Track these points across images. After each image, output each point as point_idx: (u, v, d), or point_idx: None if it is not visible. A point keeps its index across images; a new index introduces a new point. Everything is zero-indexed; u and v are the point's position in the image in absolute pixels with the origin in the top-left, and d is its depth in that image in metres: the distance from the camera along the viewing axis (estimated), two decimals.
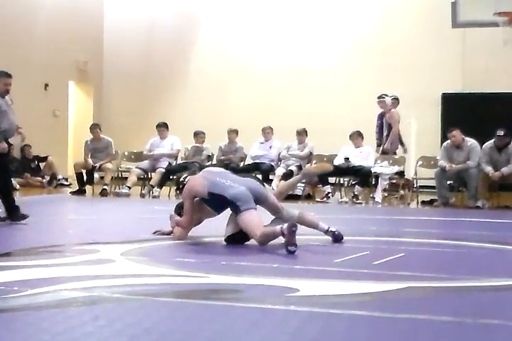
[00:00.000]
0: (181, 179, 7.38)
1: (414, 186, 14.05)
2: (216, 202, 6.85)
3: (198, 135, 15.00)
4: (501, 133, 12.49)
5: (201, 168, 14.71)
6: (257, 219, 6.74)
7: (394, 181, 14.16)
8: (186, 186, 6.96)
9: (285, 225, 6.31)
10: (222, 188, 6.81)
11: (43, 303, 4.15)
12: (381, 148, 14.15)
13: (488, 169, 12.40)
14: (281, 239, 6.42)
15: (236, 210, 6.75)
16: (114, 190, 14.67)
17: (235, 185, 6.82)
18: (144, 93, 19.61)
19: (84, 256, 5.98)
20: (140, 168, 14.76)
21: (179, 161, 15.02)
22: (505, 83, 16.65)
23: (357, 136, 13.92)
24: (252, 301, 4.32)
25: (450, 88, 16.99)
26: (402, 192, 13.95)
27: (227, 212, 6.99)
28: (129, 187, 14.34)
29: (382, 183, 13.52)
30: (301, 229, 7.53)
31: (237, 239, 6.83)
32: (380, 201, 13.26)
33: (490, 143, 12.65)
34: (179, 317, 3.92)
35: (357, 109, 17.34)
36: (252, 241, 6.94)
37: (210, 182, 6.87)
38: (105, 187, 14.42)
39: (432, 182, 13.19)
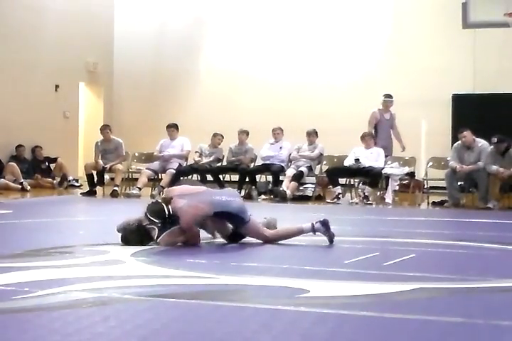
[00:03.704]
0: (157, 240, 6.68)
1: (425, 187, 14.02)
2: (219, 218, 6.89)
3: (216, 136, 15.06)
4: (495, 140, 12.47)
5: (210, 170, 14.83)
6: (259, 223, 7.06)
7: (404, 182, 14.14)
8: (185, 216, 6.59)
9: (317, 223, 6.93)
10: (224, 205, 6.81)
11: (53, 304, 4.16)
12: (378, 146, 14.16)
13: (494, 168, 12.34)
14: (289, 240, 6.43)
15: (241, 222, 6.87)
16: (125, 191, 14.70)
17: (231, 199, 6.90)
18: (153, 94, 19.63)
19: (95, 257, 5.99)
20: (150, 169, 14.77)
21: (190, 162, 15.03)
22: None
23: (369, 138, 13.90)
24: (262, 302, 4.32)
25: (461, 89, 16.94)
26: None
27: None
28: (140, 188, 14.36)
29: (393, 184, 13.50)
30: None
31: (237, 236, 6.98)
32: (390, 202, 13.24)
33: (492, 148, 12.63)
34: (189, 318, 3.93)
35: (368, 110, 17.29)
36: (261, 243, 6.96)
37: (210, 203, 6.77)
38: (115, 188, 14.44)
39: (443, 183, 13.17)
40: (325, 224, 6.97)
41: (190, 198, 6.74)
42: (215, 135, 15.11)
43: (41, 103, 17.47)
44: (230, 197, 6.94)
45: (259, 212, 7.32)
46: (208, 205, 6.71)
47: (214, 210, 6.73)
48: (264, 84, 18.48)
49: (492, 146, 12.58)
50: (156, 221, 6.62)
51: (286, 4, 18.73)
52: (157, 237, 6.63)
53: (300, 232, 7.07)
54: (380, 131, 14.37)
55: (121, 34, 19.80)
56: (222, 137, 15.11)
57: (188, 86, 19.27)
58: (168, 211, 6.63)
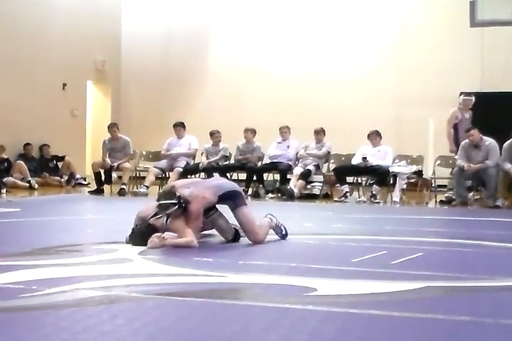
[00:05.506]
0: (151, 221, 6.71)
1: (433, 185, 14.01)
2: (223, 199, 6.89)
3: (214, 134, 15.04)
4: None
5: (218, 168, 14.81)
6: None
7: (412, 181, 14.13)
8: (195, 202, 6.61)
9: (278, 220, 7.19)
10: (226, 186, 6.98)
11: (61, 302, 4.17)
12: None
13: (508, 166, 12.30)
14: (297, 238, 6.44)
15: (243, 202, 6.92)
16: (132, 190, 14.71)
17: (227, 181, 7.37)
18: (161, 93, 19.64)
19: (103, 255, 6.00)
20: (158, 168, 14.79)
21: (197, 161, 15.03)
22: None
23: (375, 136, 13.88)
24: (269, 300, 4.32)
25: (468, 87, 16.88)
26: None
27: None
28: (147, 187, 14.37)
29: (400, 183, 13.48)
30: (315, 227, 7.55)
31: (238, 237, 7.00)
32: (398, 200, 13.23)
33: (510, 142, 12.57)
34: (197, 316, 3.93)
35: (375, 108, 17.31)
36: (269, 241, 6.96)
37: (213, 187, 6.88)
38: (123, 186, 14.45)
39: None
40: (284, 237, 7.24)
41: (194, 186, 6.85)
42: (211, 134, 15.06)
43: (49, 101, 17.49)
44: (222, 180, 7.39)
45: (267, 211, 7.30)
46: (212, 189, 6.80)
47: (218, 194, 6.78)
48: (271, 83, 18.47)
49: (510, 141, 12.50)
50: (173, 201, 6.56)
51: (291, 4, 18.71)
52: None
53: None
54: (461, 130, 14.19)
55: (129, 32, 19.82)
56: (219, 132, 15.05)
57: (196, 84, 19.27)
58: (178, 194, 6.61)
